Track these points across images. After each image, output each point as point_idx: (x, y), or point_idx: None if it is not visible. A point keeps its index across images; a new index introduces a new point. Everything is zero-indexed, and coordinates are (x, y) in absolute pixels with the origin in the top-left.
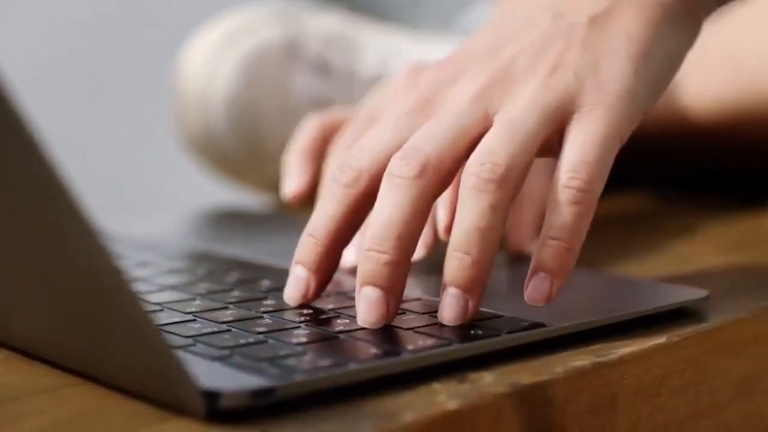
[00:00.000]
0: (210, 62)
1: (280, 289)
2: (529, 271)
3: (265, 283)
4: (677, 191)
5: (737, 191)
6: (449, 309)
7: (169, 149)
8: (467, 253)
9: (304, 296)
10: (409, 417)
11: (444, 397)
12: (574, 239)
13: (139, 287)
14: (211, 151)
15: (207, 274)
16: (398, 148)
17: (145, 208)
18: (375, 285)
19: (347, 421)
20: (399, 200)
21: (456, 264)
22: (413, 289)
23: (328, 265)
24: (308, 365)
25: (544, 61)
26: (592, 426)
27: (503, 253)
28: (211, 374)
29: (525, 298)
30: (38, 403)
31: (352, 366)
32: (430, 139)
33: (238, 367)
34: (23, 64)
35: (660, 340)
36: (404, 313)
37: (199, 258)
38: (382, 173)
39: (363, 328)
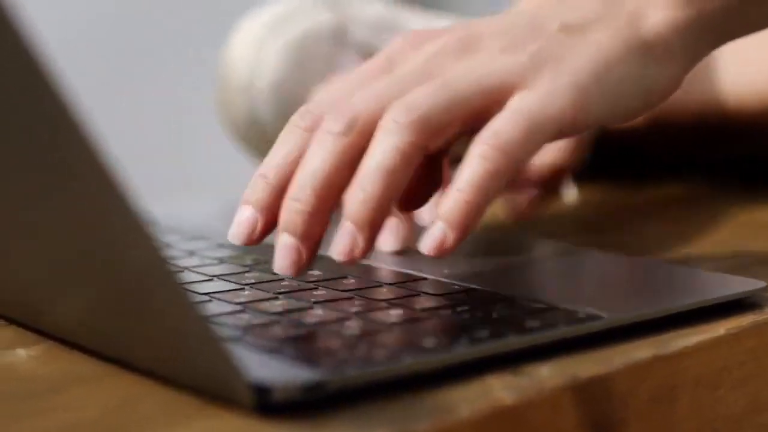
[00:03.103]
0: (257, 48)
1: (329, 279)
2: (431, 222)
3: (315, 274)
4: (718, 180)
5: None
6: (337, 242)
7: (212, 134)
8: (363, 190)
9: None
10: (465, 411)
11: (500, 390)
12: (475, 193)
13: (187, 277)
14: (256, 138)
15: (255, 264)
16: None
17: (189, 195)
18: (289, 232)
19: (401, 416)
20: (321, 154)
21: (352, 200)
22: (468, 280)
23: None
24: (361, 358)
25: (504, 41)
26: (652, 419)
27: (558, 245)
28: (261, 367)
29: (420, 248)
30: (83, 394)
31: (406, 359)
32: (364, 99)
33: (289, 359)
34: (66, 43)
35: (719, 332)
36: (458, 304)
37: (247, 247)
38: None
39: (417, 320)
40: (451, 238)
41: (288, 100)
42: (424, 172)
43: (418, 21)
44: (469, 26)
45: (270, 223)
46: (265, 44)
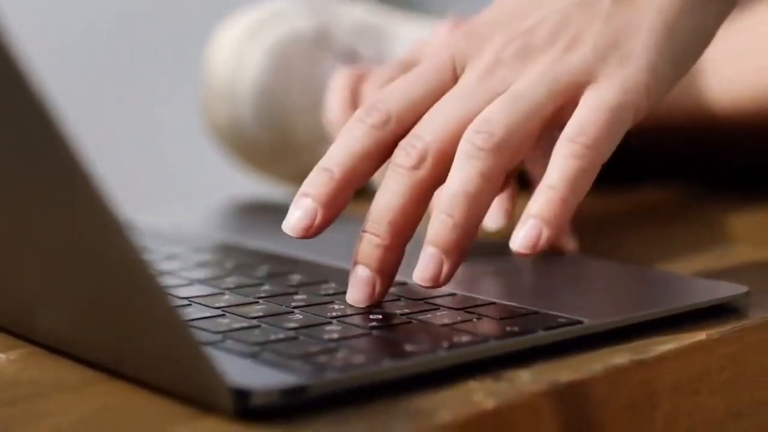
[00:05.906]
0: (238, 51)
1: (310, 283)
2: (520, 220)
3: (295, 278)
4: (708, 185)
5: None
6: (424, 268)
7: (196, 139)
8: (450, 216)
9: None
10: (445, 416)
11: (481, 395)
12: (569, 191)
13: (167, 281)
14: (238, 142)
15: (235, 268)
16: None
17: (172, 199)
18: (365, 265)
19: (381, 420)
20: (396, 188)
21: (438, 225)
22: (447, 284)
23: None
24: (341, 362)
25: (563, 35)
26: (631, 424)
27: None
28: (241, 371)
29: (511, 246)
30: (63, 400)
31: (386, 363)
32: (434, 128)
33: (269, 364)
34: (48, 53)
35: (699, 337)
36: (438, 309)
37: (227, 251)
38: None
39: (397, 324)
40: (545, 235)
41: (269, 104)
42: None
43: (400, 25)
44: (519, 16)
45: (328, 220)
46: (245, 49)
